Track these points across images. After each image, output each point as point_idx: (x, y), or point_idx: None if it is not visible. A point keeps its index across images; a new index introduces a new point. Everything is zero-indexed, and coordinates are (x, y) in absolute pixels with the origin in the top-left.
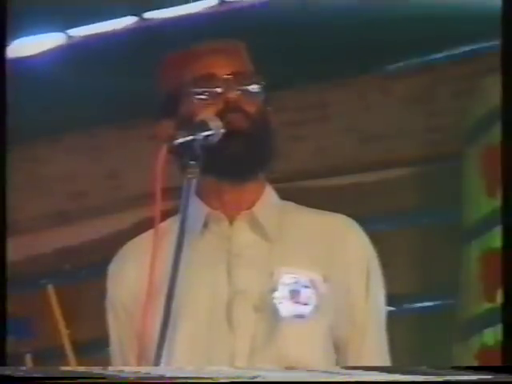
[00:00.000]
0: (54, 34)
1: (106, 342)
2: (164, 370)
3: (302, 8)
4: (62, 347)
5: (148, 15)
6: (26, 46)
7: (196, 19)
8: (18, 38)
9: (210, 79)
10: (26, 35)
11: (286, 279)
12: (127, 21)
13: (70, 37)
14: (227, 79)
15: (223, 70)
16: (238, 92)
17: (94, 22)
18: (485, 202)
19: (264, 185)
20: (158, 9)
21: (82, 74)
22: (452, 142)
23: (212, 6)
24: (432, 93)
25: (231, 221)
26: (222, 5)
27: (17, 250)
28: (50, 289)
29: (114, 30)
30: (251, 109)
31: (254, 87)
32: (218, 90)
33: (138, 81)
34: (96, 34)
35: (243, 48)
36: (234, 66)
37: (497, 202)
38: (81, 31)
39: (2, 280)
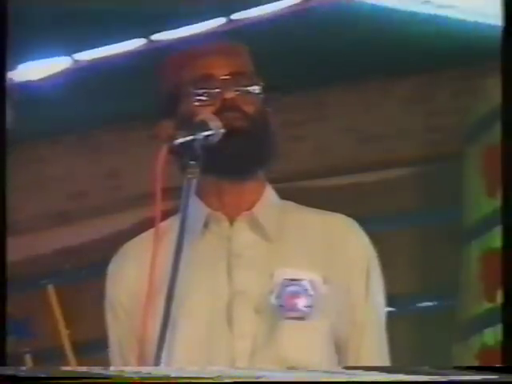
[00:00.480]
0: (59, 58)
1: (106, 343)
2: (165, 370)
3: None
4: (62, 347)
5: (156, 37)
6: (32, 70)
7: (204, 39)
8: (23, 62)
9: (208, 79)
10: (32, 60)
11: (287, 280)
12: (135, 43)
13: (76, 61)
14: (225, 80)
15: (221, 71)
16: (236, 92)
17: (100, 46)
18: (485, 202)
19: (264, 185)
20: (165, 30)
21: (89, 97)
22: (452, 142)
23: (220, 25)
24: (432, 93)
25: (231, 221)
26: (230, 23)
27: (17, 250)
28: (50, 289)
29: (122, 52)
30: (249, 109)
31: (253, 88)
32: (217, 90)
33: (148, 102)
34: (102, 58)
35: (243, 49)
36: (233, 67)
37: (497, 202)
38: (87, 55)
39: (2, 280)
